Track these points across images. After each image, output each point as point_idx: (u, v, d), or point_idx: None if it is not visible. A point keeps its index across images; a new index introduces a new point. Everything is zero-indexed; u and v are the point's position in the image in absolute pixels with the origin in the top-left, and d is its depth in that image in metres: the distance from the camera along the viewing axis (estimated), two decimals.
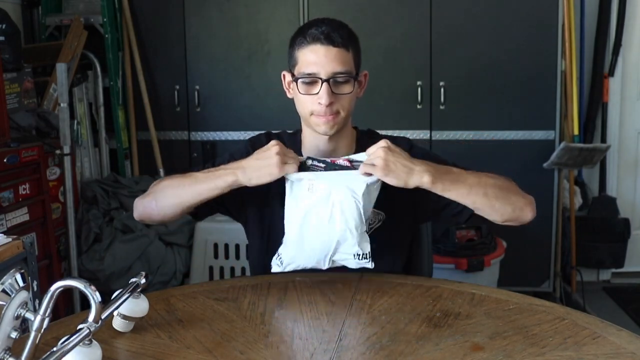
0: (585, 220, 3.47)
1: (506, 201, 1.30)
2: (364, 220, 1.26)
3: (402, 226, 1.46)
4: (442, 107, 3.21)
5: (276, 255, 1.31)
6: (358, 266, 1.28)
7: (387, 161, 1.24)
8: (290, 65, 1.39)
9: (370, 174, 1.25)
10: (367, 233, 1.42)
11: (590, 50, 3.48)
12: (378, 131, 1.56)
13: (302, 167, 1.30)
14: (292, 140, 1.49)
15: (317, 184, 1.26)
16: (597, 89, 3.50)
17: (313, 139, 1.43)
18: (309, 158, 1.34)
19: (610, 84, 3.52)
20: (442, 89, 3.20)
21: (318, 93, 1.33)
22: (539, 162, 3.18)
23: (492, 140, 3.22)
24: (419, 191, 1.30)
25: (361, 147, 1.48)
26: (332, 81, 1.32)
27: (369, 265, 1.27)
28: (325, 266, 1.29)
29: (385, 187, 1.44)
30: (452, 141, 3.23)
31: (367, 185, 1.26)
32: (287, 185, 1.30)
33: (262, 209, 1.46)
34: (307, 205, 1.26)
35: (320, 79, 1.32)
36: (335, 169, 1.30)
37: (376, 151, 1.26)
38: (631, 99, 3.59)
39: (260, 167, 1.26)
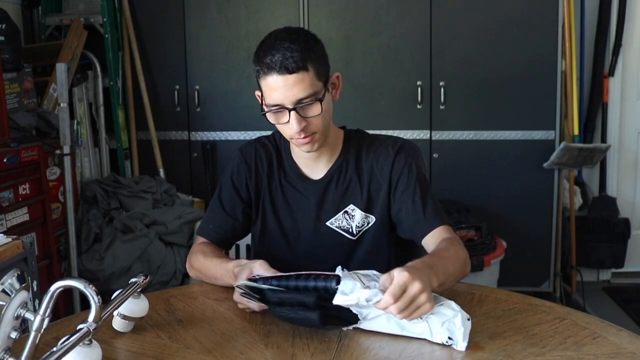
0: (585, 220, 3.47)
1: (459, 277, 1.30)
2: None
3: (387, 227, 1.47)
4: (442, 107, 3.21)
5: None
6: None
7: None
8: (259, 88, 1.37)
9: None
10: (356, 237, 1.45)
11: (590, 50, 3.48)
12: (378, 131, 1.56)
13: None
14: (284, 139, 1.48)
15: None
16: (597, 89, 3.50)
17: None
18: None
19: (610, 84, 3.52)
20: (442, 89, 3.20)
21: (288, 122, 1.32)
22: (539, 162, 3.18)
23: (492, 140, 3.22)
24: (391, 196, 1.42)
25: (349, 147, 1.48)
26: (299, 107, 1.30)
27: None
28: None
29: (372, 191, 1.45)
30: (452, 141, 3.24)
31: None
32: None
33: (269, 215, 1.50)
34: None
35: (287, 108, 1.30)
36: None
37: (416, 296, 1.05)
38: (631, 99, 3.59)
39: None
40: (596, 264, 3.52)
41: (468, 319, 1.05)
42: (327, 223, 1.45)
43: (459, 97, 3.21)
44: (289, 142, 1.47)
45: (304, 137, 1.34)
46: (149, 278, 1.10)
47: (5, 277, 0.95)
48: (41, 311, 0.87)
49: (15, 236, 1.56)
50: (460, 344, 1.03)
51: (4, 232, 1.80)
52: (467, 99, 3.22)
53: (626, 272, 3.59)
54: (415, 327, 1.06)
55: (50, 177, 2.67)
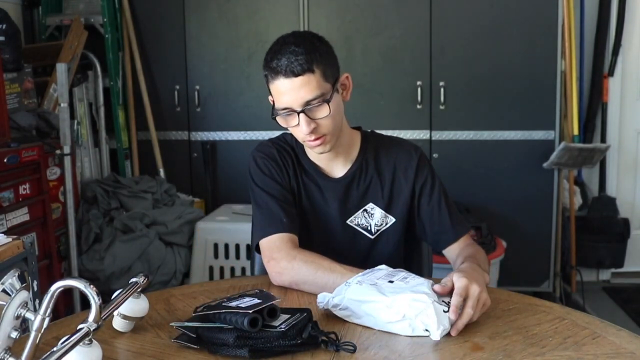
0: (585, 220, 3.47)
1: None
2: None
3: (404, 228, 1.50)
4: (442, 107, 3.21)
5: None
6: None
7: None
8: (270, 93, 1.39)
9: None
10: (375, 235, 1.46)
11: (590, 50, 3.49)
12: (378, 131, 1.56)
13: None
14: (295, 140, 1.48)
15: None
16: (597, 89, 3.50)
17: None
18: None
19: (610, 84, 3.52)
20: (442, 89, 3.20)
21: (298, 124, 1.33)
22: (539, 162, 3.18)
23: (492, 140, 3.22)
24: (415, 200, 1.46)
25: (367, 147, 1.49)
26: (308, 109, 1.32)
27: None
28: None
29: (393, 192, 1.47)
30: (452, 141, 3.24)
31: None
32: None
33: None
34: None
35: (295, 111, 1.32)
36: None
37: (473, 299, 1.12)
38: (631, 99, 3.59)
39: None
40: (596, 263, 3.53)
41: (444, 311, 1.07)
42: (347, 221, 1.47)
43: (459, 97, 3.21)
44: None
45: (314, 139, 1.35)
46: (149, 278, 1.10)
47: (5, 277, 0.95)
48: (41, 311, 0.87)
49: (15, 236, 1.55)
50: (435, 334, 1.04)
51: (4, 232, 1.81)
52: (467, 99, 3.22)
53: (626, 272, 3.60)
54: (398, 327, 1.08)
55: (51, 177, 2.67)
